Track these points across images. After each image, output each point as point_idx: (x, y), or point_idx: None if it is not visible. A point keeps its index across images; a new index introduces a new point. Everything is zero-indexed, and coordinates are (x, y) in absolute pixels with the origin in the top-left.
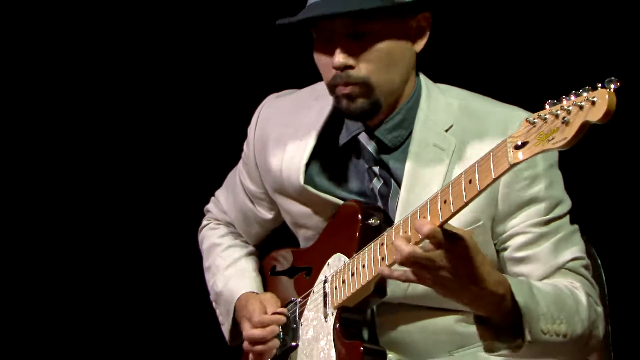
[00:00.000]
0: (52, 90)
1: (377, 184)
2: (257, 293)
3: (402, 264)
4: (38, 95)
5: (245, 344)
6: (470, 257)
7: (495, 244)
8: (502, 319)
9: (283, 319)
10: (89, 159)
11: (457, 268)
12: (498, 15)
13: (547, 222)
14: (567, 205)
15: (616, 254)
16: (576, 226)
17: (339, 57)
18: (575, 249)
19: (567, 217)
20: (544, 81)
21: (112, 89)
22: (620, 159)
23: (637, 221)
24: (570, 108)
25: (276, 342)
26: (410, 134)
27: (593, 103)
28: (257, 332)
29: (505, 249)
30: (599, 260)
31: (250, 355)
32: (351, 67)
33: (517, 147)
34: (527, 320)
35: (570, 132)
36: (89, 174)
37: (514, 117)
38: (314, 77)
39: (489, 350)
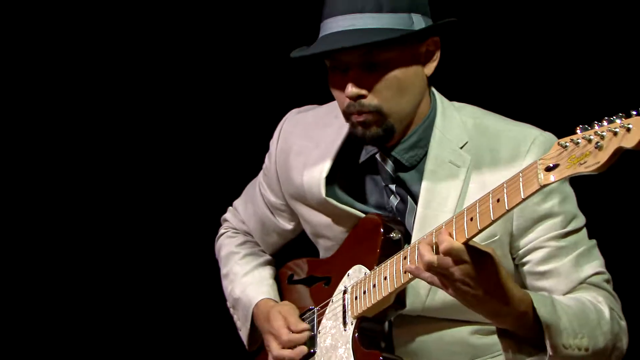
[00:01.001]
0: (70, 97)
1: (394, 201)
2: (274, 301)
3: (426, 271)
4: (51, 101)
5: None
6: (495, 273)
7: (514, 259)
8: (524, 333)
9: (308, 334)
10: (106, 168)
11: (480, 283)
12: (511, 32)
13: (564, 236)
14: (581, 219)
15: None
16: (594, 241)
17: (352, 88)
18: (595, 264)
19: (584, 232)
20: (558, 98)
21: (130, 99)
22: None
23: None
24: (604, 133)
25: None
26: (426, 152)
27: (628, 130)
28: (288, 354)
29: (525, 264)
30: None
31: None
32: (363, 97)
33: (548, 169)
34: (549, 335)
35: (603, 156)
36: (106, 183)
37: (527, 136)
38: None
39: None
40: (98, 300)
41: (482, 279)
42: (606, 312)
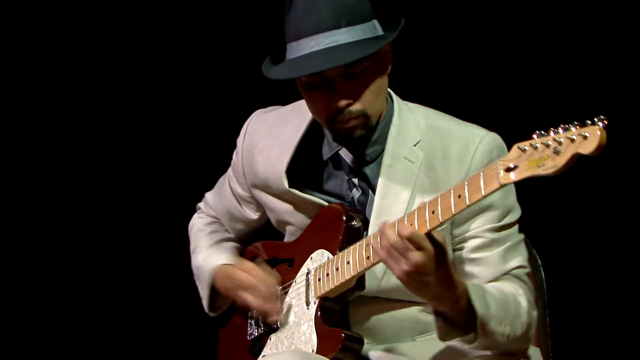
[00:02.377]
0: (48, 91)
1: (356, 193)
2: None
3: (383, 249)
4: (35, 97)
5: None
6: (446, 262)
7: (451, 243)
8: (457, 315)
9: (278, 288)
10: (84, 165)
11: (432, 270)
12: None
13: (499, 229)
14: (517, 213)
15: (553, 254)
16: (523, 236)
17: (342, 99)
18: (520, 258)
19: (516, 227)
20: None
21: (111, 99)
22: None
23: (572, 226)
24: (562, 140)
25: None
26: (384, 148)
27: (585, 137)
28: (269, 307)
29: (461, 249)
30: (539, 260)
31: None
32: (350, 105)
33: (508, 170)
34: (480, 320)
35: (561, 161)
36: (83, 179)
37: (475, 135)
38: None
39: (442, 338)
40: (79, 293)
41: (435, 266)
42: (524, 304)
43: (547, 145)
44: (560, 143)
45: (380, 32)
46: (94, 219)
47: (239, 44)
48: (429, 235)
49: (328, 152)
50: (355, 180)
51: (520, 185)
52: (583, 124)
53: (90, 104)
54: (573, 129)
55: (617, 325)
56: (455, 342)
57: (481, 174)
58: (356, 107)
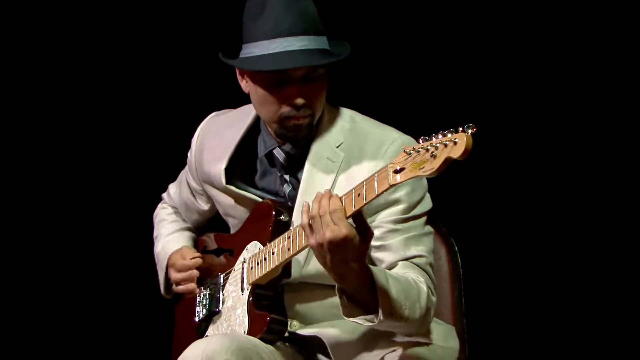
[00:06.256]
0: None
1: (287, 188)
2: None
3: (307, 215)
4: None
5: (174, 287)
6: (362, 250)
7: None
8: (361, 296)
9: (199, 261)
10: (67, 160)
11: (339, 246)
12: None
13: (402, 221)
14: (424, 207)
15: (467, 236)
16: (429, 229)
17: (300, 98)
18: (422, 248)
19: (423, 220)
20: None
21: (84, 102)
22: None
23: (484, 209)
24: (438, 145)
25: (193, 286)
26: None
27: (455, 143)
28: (179, 275)
29: None
30: (456, 247)
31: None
32: (304, 104)
33: (396, 172)
34: (382, 302)
35: (436, 164)
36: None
37: (388, 138)
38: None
39: (347, 315)
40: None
41: (349, 248)
42: (424, 290)
43: (427, 150)
44: (436, 148)
45: (328, 46)
46: (67, 212)
47: (203, 47)
48: (357, 218)
49: (263, 150)
50: (287, 177)
51: (440, 179)
52: (456, 131)
53: (57, 103)
54: (449, 134)
55: (527, 306)
56: (359, 320)
57: (376, 175)
58: (308, 107)
